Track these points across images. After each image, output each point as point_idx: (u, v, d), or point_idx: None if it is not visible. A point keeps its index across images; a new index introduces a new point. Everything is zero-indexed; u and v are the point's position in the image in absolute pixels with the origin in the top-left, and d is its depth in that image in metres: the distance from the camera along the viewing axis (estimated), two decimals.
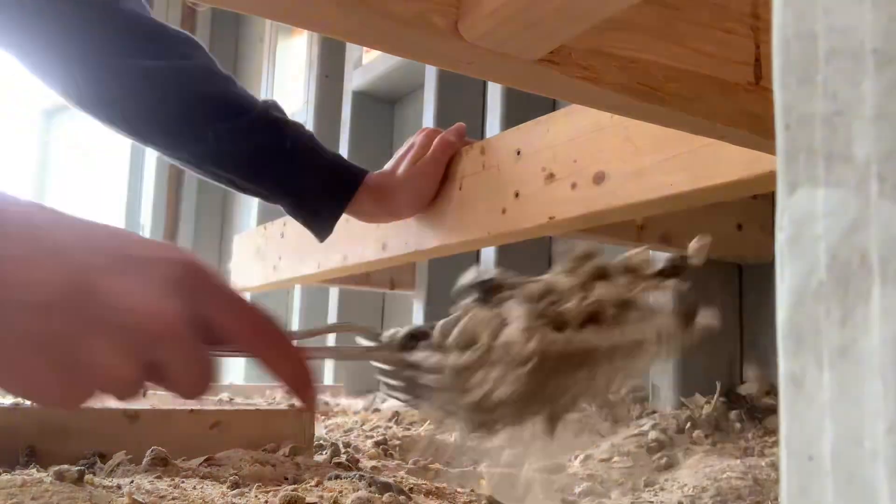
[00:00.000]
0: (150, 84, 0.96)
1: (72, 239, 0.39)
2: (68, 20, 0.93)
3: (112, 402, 0.50)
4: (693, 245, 0.46)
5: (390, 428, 1.43)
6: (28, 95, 4.32)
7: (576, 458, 1.11)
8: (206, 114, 0.97)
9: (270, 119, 0.99)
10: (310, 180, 1.01)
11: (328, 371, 2.24)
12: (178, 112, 0.97)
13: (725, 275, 1.28)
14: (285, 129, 1.00)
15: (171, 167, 3.41)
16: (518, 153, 0.97)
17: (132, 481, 0.70)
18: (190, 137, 0.98)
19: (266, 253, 1.54)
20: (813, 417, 0.17)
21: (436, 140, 1.04)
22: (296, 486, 0.73)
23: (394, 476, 0.84)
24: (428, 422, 1.48)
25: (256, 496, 0.70)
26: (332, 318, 2.26)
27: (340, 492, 0.71)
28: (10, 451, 0.80)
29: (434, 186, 1.03)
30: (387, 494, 0.69)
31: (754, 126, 0.53)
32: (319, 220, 1.05)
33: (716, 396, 1.18)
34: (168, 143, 1.01)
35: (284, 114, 1.03)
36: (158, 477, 0.74)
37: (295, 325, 2.50)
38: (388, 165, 1.06)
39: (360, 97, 2.35)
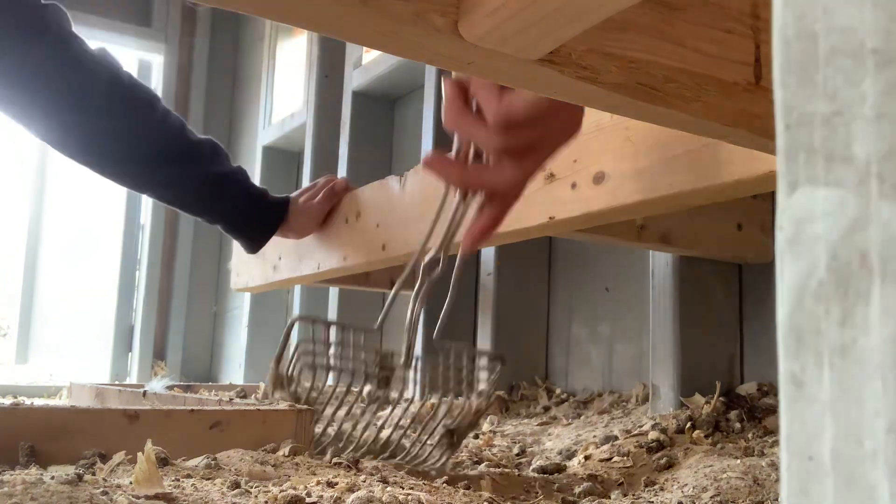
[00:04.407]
0: (121, 143, 1.26)
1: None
2: (54, 82, 1.18)
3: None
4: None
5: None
6: None
7: (576, 458, 1.11)
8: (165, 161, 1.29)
9: (217, 172, 1.33)
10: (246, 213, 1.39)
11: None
12: (143, 161, 1.29)
13: (725, 275, 1.28)
14: (229, 177, 1.34)
15: None
16: None
17: (132, 481, 0.70)
18: (151, 181, 1.31)
19: (266, 253, 1.54)
20: (813, 417, 0.17)
21: (326, 188, 1.43)
22: (296, 485, 0.73)
23: (394, 476, 0.84)
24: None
25: (256, 496, 0.70)
26: (332, 318, 2.26)
27: (341, 492, 0.71)
28: (10, 451, 0.80)
29: (315, 223, 1.44)
30: (386, 493, 0.69)
31: (754, 126, 0.53)
32: (253, 243, 1.43)
33: (716, 396, 1.18)
34: (132, 183, 1.35)
35: (227, 157, 1.35)
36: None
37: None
38: (293, 194, 1.45)
39: (360, 97, 2.35)
